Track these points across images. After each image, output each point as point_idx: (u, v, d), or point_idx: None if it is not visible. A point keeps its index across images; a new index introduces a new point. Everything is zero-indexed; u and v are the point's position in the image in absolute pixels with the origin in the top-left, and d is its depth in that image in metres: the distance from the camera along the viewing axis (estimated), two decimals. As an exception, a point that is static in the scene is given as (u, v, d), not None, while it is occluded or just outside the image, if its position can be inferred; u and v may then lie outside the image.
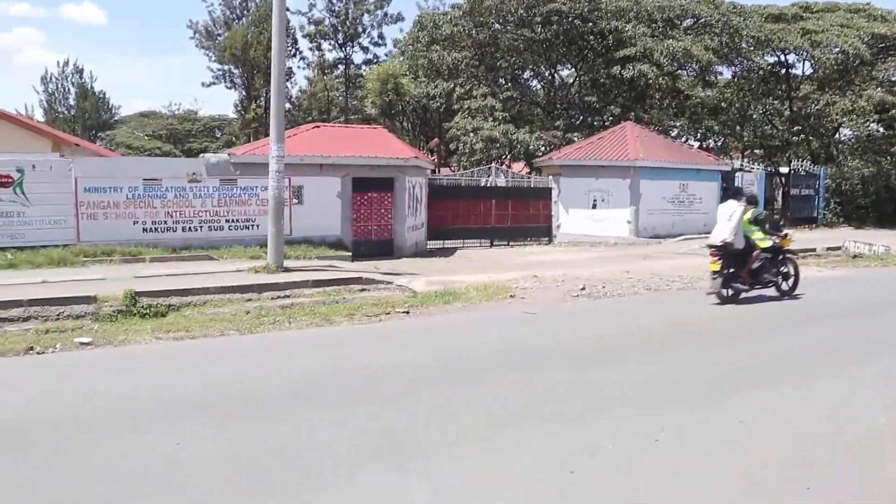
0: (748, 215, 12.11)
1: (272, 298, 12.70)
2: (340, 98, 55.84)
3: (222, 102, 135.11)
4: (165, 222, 17.21)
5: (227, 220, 17.89)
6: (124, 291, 11.63)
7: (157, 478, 4.62)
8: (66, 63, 58.69)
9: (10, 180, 15.85)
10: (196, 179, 17.43)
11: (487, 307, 11.55)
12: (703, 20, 33.33)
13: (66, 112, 58.61)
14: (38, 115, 56.28)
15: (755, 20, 32.05)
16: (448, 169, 35.73)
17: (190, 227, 17.47)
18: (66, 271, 14.25)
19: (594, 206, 24.70)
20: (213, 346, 8.84)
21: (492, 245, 24.35)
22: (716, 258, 11.81)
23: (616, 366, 7.53)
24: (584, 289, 12.99)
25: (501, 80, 34.54)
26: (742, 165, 34.21)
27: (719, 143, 40.79)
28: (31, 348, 8.72)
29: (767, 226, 12.51)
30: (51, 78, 57.97)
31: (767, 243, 12.25)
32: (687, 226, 25.59)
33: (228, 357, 8.20)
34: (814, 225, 31.72)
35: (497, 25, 32.82)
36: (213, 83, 54.89)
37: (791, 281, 12.66)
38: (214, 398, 6.32)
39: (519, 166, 34.09)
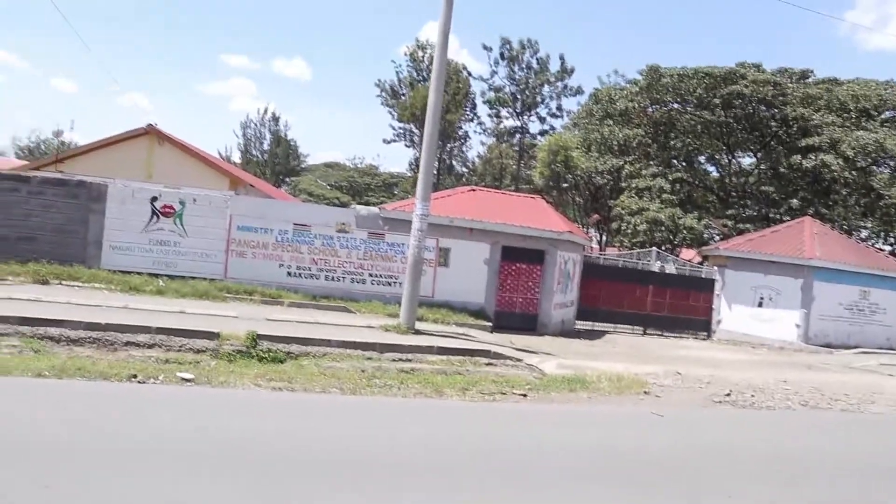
0: None
1: (393, 360, 12.20)
2: (514, 166, 56.14)
3: (402, 160, 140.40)
4: (309, 269, 17.33)
5: (370, 274, 17.77)
6: (246, 332, 11.54)
7: None
8: (265, 111, 63.06)
9: (172, 211, 16.57)
10: (344, 230, 17.50)
11: (614, 401, 10.39)
12: (904, 113, 30.48)
13: (259, 156, 62.66)
14: (235, 157, 60.65)
15: (968, 116, 28.88)
16: (615, 249, 34.48)
17: (332, 277, 17.49)
18: (205, 304, 14.52)
19: (760, 305, 22.68)
20: (305, 402, 8.35)
21: (644, 333, 22.90)
22: None
23: (726, 499, 6.18)
24: (729, 395, 11.51)
25: (674, 161, 33.14)
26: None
27: (914, 251, 36.84)
28: (135, 376, 8.60)
29: None
30: (250, 124, 62.48)
31: None
32: (865, 337, 22.87)
33: (308, 414, 7.64)
34: None
35: (674, 104, 31.66)
36: (394, 140, 56.83)
37: None
38: (244, 454, 5.74)
39: (690, 253, 32.35)
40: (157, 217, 16.55)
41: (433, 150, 15.16)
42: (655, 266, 25.18)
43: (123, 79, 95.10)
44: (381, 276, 17.86)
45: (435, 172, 54.88)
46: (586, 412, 9.61)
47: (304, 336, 12.22)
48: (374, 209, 18.49)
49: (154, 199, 16.59)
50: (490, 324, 17.69)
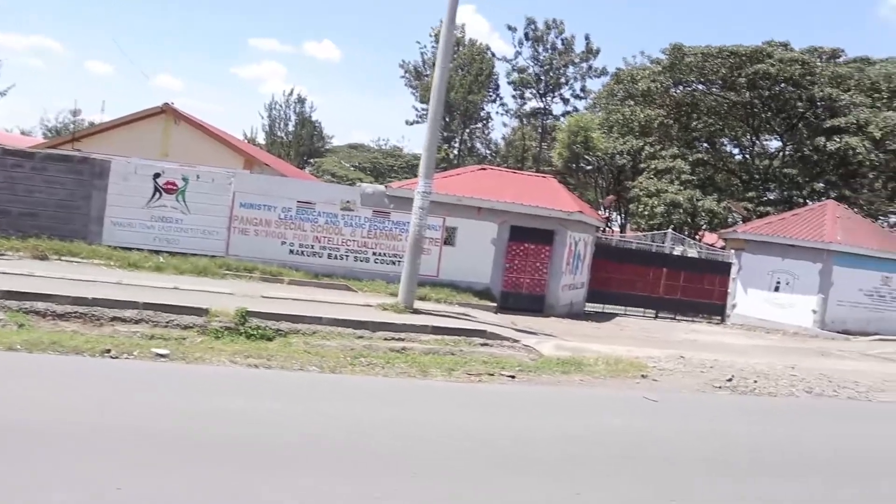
0: None
1: (384, 339, 11.96)
2: (536, 148, 55.56)
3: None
4: (312, 247, 17.14)
5: (374, 253, 17.55)
6: (236, 309, 11.36)
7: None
8: (291, 92, 62.67)
9: (174, 187, 16.45)
10: (349, 208, 17.27)
11: (608, 385, 10.06)
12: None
13: (283, 137, 62.36)
14: (260, 138, 60.52)
15: None
16: (639, 232, 33.92)
17: (336, 255, 17.30)
18: (202, 281, 14.39)
19: (776, 289, 22.10)
20: (276, 379, 8.15)
21: (656, 317, 22.47)
22: None
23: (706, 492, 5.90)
24: (730, 380, 11.11)
25: (696, 143, 32.33)
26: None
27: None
28: (108, 351, 8.47)
29: None
30: (275, 105, 62.14)
31: None
32: (885, 324, 22.16)
33: (272, 395, 7.34)
34: None
35: (698, 85, 30.86)
36: (417, 122, 56.43)
37: None
38: (184, 434, 5.58)
39: (713, 237, 31.72)
40: (160, 194, 16.44)
41: (437, 127, 14.83)
42: (674, 249, 24.66)
43: (157, 62, 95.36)
44: (385, 254, 17.62)
45: (456, 153, 54.82)
46: (574, 395, 9.31)
47: (295, 314, 12.01)
48: (380, 187, 18.23)
49: (157, 175, 16.47)
50: (495, 304, 17.37)
